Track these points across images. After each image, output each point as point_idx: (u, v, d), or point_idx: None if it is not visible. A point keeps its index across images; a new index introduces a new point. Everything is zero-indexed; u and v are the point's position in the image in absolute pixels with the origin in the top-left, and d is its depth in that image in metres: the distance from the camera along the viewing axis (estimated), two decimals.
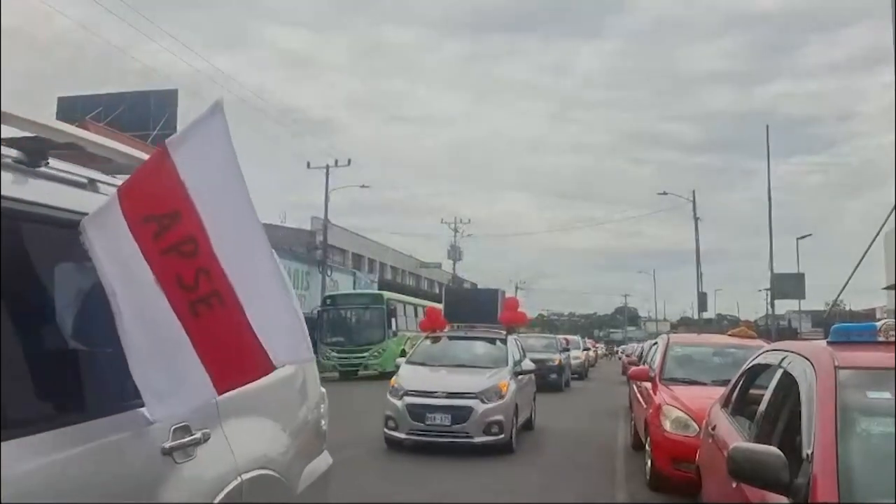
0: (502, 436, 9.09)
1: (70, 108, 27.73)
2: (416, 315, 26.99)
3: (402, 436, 9.14)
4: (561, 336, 28.52)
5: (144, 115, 27.29)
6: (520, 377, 10.21)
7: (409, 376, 9.82)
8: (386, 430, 9.33)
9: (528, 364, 11.05)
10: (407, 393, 9.28)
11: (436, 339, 11.33)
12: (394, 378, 9.90)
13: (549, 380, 19.01)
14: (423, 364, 10.42)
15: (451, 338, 11.34)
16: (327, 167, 33.93)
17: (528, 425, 11.16)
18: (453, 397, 9.10)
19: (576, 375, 25.68)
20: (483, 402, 9.06)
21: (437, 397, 9.13)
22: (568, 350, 23.66)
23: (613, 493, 7.47)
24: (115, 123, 25.38)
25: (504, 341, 10.84)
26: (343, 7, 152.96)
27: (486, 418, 9.01)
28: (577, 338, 34.07)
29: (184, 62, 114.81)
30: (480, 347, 10.90)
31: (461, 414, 8.96)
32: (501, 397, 9.23)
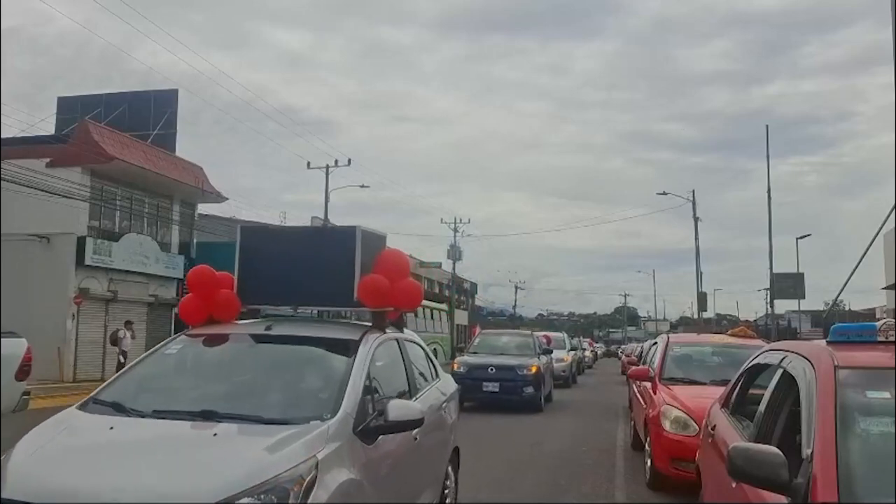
0: None
1: (70, 108, 27.75)
2: (415, 315, 26.93)
3: None
4: (540, 333, 21.53)
5: (144, 115, 27.30)
6: (382, 439, 4.01)
7: (29, 460, 3.42)
8: None
9: (410, 407, 4.17)
10: None
11: (212, 340, 4.84)
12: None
13: (523, 395, 14.45)
14: (117, 409, 3.99)
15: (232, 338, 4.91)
16: (327, 167, 33.92)
17: None
18: None
19: (560, 382, 20.74)
20: None
21: None
22: (550, 352, 17.92)
23: (613, 492, 7.47)
24: (115, 123, 25.40)
25: (355, 346, 4.42)
26: (342, 7, 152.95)
27: None
28: (561, 335, 27.42)
29: (184, 62, 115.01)
30: (281, 370, 4.52)
31: None
32: None
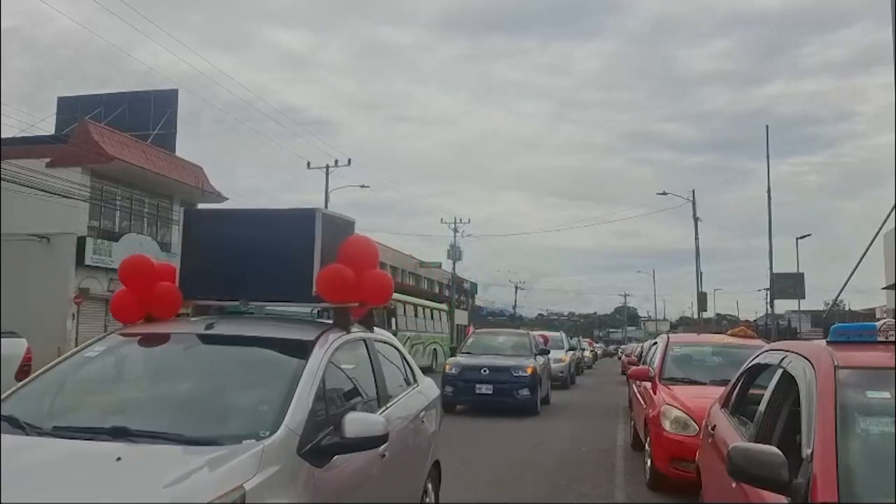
0: None
1: (70, 108, 27.75)
2: (415, 315, 26.94)
3: None
4: (537, 333, 20.69)
5: (144, 115, 27.32)
6: (338, 459, 3.41)
7: None
8: None
9: (371, 421, 3.48)
10: None
11: (142, 341, 4.24)
12: None
13: (517, 398, 13.57)
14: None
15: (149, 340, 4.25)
16: (327, 167, 33.98)
17: None
18: None
19: (558, 383, 20.06)
20: None
21: None
22: (547, 352, 17.03)
23: (613, 492, 7.46)
24: (115, 123, 25.41)
25: (309, 348, 3.75)
26: (342, 7, 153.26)
27: None
28: (559, 334, 26.43)
29: (184, 62, 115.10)
30: (217, 377, 3.85)
31: None
32: None
